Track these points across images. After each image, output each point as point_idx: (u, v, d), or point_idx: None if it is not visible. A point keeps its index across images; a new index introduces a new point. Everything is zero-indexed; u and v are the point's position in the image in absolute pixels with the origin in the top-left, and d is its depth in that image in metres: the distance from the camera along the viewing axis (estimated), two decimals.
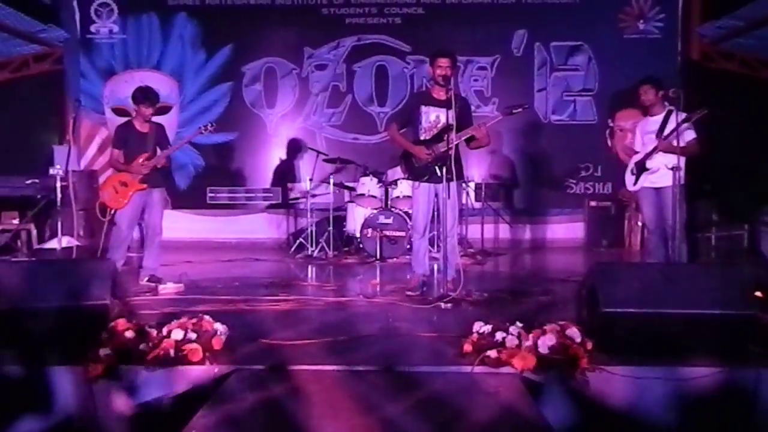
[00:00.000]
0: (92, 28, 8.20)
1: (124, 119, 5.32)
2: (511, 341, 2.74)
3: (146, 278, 4.92)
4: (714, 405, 2.55)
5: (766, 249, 3.34)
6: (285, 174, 8.25)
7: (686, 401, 2.55)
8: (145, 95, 4.94)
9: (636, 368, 2.57)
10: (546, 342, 2.68)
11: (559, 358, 2.61)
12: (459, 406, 2.33)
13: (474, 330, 2.91)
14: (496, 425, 2.16)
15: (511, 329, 2.81)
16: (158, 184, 5.07)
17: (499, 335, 2.78)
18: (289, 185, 8.17)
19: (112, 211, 4.92)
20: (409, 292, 4.44)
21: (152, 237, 5.08)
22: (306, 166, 7.80)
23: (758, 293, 2.83)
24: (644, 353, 2.65)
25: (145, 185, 4.92)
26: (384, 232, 6.52)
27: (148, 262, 5.03)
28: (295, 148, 8.22)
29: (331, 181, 6.86)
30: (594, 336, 2.73)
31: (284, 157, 8.26)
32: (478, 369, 2.66)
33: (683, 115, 4.49)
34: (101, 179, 5.45)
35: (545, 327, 2.80)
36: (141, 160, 4.86)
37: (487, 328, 2.87)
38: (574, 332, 2.72)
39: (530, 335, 2.76)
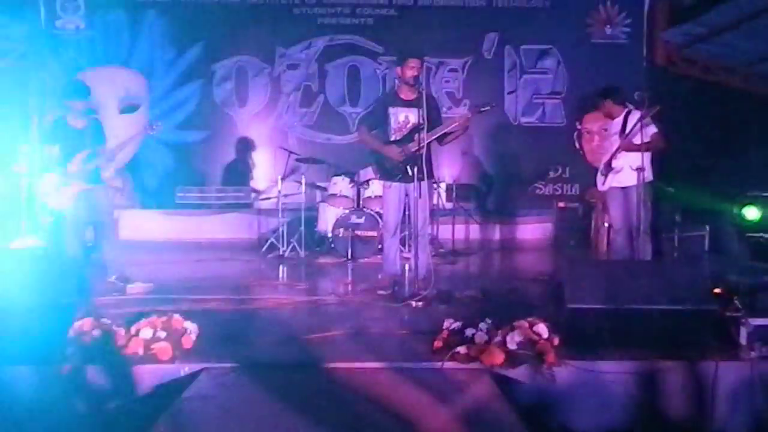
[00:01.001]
0: (58, 24, 8.01)
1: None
2: (481, 337, 2.79)
3: (114, 276, 4.84)
4: (675, 397, 2.64)
5: (733, 246, 3.45)
6: (256, 174, 8.20)
7: (649, 394, 2.62)
8: (74, 89, 4.82)
9: (601, 362, 2.64)
10: (514, 338, 2.73)
11: (526, 353, 2.67)
12: (429, 401, 2.36)
13: (444, 327, 2.95)
14: (465, 419, 2.19)
15: (481, 326, 2.86)
16: (99, 181, 4.95)
17: (468, 332, 2.83)
18: (254, 185, 8.13)
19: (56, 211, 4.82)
20: (380, 291, 4.46)
21: (104, 235, 4.98)
22: (277, 166, 7.74)
23: (717, 290, 2.93)
24: (609, 348, 2.73)
25: (89, 185, 4.80)
26: (356, 231, 6.53)
27: (110, 261, 4.95)
28: (266, 147, 8.17)
29: (303, 180, 6.84)
30: (561, 331, 2.79)
31: (255, 156, 8.21)
32: (448, 365, 2.70)
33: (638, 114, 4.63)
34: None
35: (514, 324, 2.85)
36: (79, 160, 4.72)
37: (457, 324, 2.91)
38: (541, 328, 2.78)
39: (499, 332, 2.81)
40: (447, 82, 8.32)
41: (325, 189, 7.06)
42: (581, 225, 7.85)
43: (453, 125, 4.35)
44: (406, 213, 4.70)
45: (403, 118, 4.48)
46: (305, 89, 8.24)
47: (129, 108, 7.91)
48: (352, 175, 6.88)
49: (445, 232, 7.55)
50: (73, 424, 2.53)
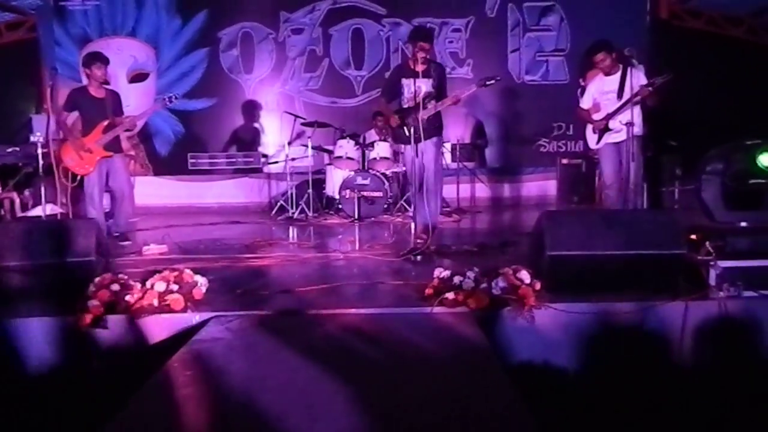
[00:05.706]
0: None
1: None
2: (468, 284, 2.99)
3: (117, 234, 5.17)
4: (646, 335, 2.84)
5: (707, 197, 3.61)
6: (264, 139, 8.39)
7: (622, 333, 2.83)
8: (93, 56, 5.07)
9: (578, 304, 2.84)
10: (498, 284, 2.93)
11: (509, 297, 2.87)
12: (418, 340, 2.58)
13: (435, 275, 3.16)
14: (448, 355, 2.42)
15: (468, 274, 3.05)
16: (119, 149, 5.29)
17: (456, 279, 3.03)
18: (263, 150, 8.32)
19: (78, 177, 5.11)
20: (418, 240, 4.56)
21: (121, 200, 5.34)
22: (284, 131, 7.91)
23: (693, 236, 3.09)
24: (586, 291, 2.92)
25: (110, 153, 5.10)
26: (362, 192, 6.73)
27: (119, 221, 5.33)
28: (273, 112, 8.33)
29: (309, 144, 7.02)
30: (542, 277, 2.99)
31: (263, 122, 8.38)
32: (437, 310, 2.91)
33: (642, 74, 4.68)
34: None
35: (499, 271, 3.04)
36: (100, 128, 5.03)
37: (447, 273, 3.11)
38: (523, 274, 2.97)
39: (485, 278, 3.01)
40: (450, 42, 8.35)
41: (331, 152, 7.23)
42: (585, 181, 7.95)
43: (452, 101, 4.62)
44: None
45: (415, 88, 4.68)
46: (310, 53, 8.34)
47: (138, 77, 8.10)
48: (357, 138, 7.05)
49: (450, 191, 7.72)
50: (95, 369, 2.81)
